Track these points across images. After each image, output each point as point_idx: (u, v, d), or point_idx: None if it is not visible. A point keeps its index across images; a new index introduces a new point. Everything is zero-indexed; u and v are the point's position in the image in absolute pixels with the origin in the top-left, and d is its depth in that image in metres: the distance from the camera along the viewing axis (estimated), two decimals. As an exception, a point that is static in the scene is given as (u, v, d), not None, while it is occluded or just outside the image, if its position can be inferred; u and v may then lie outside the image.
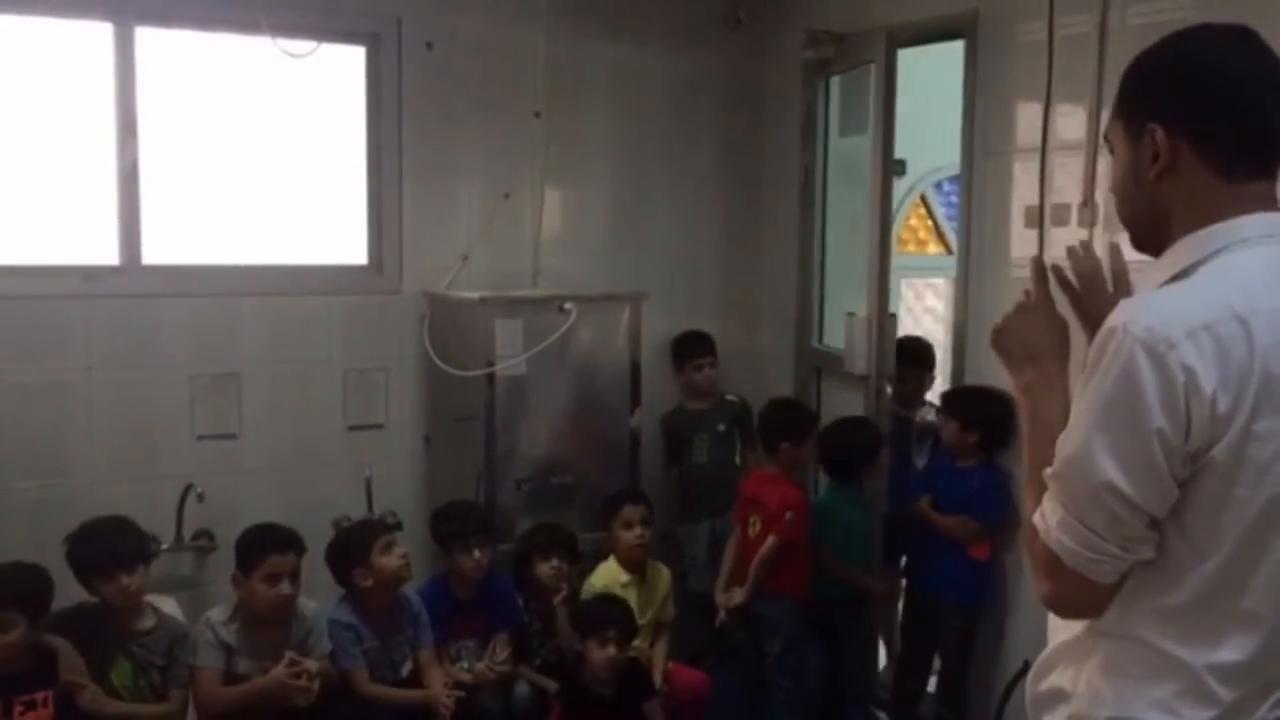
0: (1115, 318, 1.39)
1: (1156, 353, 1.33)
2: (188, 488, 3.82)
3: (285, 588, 3.30)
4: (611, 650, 3.46)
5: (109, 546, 3.18)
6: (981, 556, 3.73)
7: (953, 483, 3.83)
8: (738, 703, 4.00)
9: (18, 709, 2.89)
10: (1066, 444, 1.42)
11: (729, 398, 4.63)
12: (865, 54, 4.15)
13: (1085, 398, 1.41)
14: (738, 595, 3.94)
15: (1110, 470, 1.37)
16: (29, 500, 3.67)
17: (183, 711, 3.25)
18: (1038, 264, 1.71)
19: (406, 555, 3.56)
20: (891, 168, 4.08)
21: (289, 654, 3.26)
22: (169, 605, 3.40)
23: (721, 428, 4.54)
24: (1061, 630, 1.56)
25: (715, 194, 4.84)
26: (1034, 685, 1.60)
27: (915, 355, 4.30)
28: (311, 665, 3.28)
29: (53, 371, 3.73)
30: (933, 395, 4.44)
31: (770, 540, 3.92)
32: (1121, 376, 1.36)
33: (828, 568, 3.95)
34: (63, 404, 3.73)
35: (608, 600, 3.69)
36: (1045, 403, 1.57)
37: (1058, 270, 1.74)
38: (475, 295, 4.03)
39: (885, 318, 4.08)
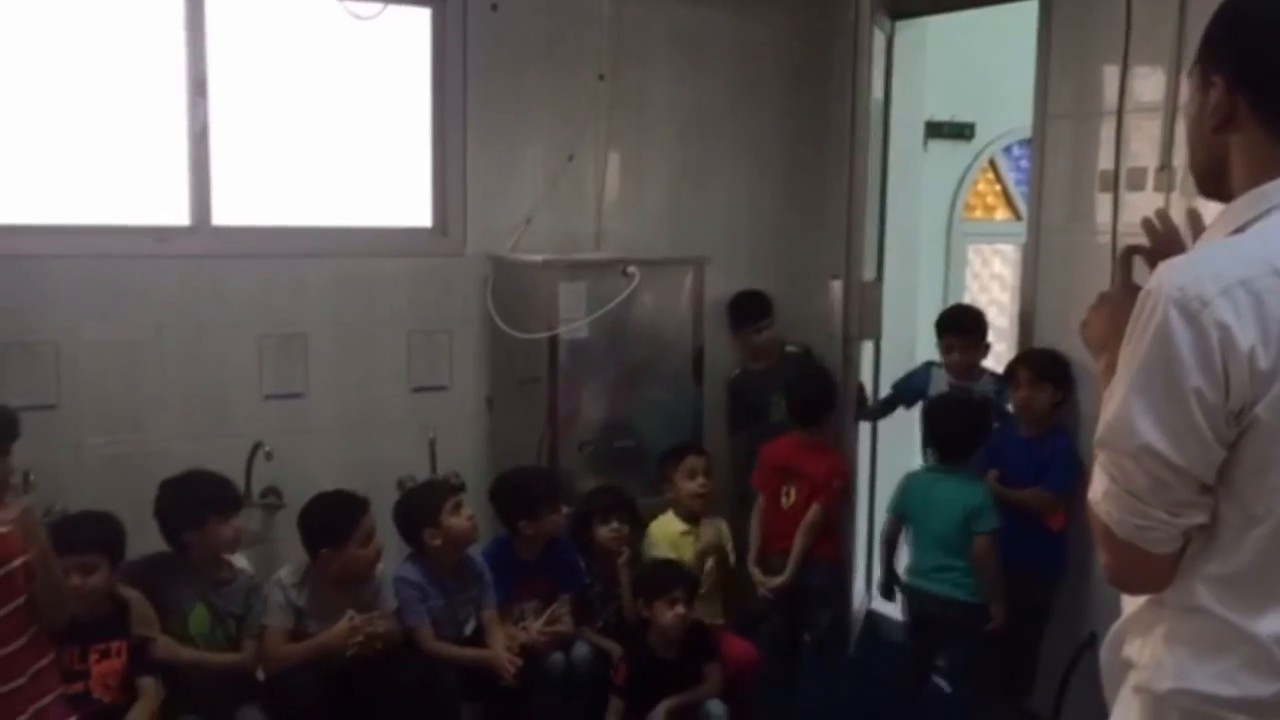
0: (1152, 279, 1.37)
1: (1189, 310, 1.30)
2: (256, 446, 3.88)
3: (377, 544, 3.40)
4: (680, 609, 3.47)
5: (208, 494, 3.28)
6: (1057, 526, 3.66)
7: (1020, 454, 3.76)
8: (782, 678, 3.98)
9: (93, 656, 2.96)
10: (1106, 409, 1.40)
11: (790, 349, 4.59)
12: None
13: (1123, 361, 1.39)
14: (785, 572, 3.95)
15: (1149, 433, 1.34)
16: (103, 456, 3.76)
17: (256, 661, 3.33)
18: (1124, 252, 1.69)
19: (474, 516, 3.60)
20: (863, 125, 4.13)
21: (350, 614, 3.32)
22: (240, 560, 3.46)
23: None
24: (1131, 601, 1.54)
25: (778, 156, 4.80)
26: (1107, 655, 1.58)
27: (965, 324, 4.21)
28: (378, 625, 3.34)
29: (126, 330, 3.79)
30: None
31: (816, 509, 3.91)
32: (1156, 337, 1.33)
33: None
34: (135, 362, 3.80)
35: (669, 563, 3.72)
36: None
37: (1137, 250, 1.70)
38: (538, 258, 4.04)
39: (858, 282, 4.17)
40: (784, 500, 4.02)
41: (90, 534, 3.00)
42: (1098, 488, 1.42)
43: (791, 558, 3.97)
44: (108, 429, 3.78)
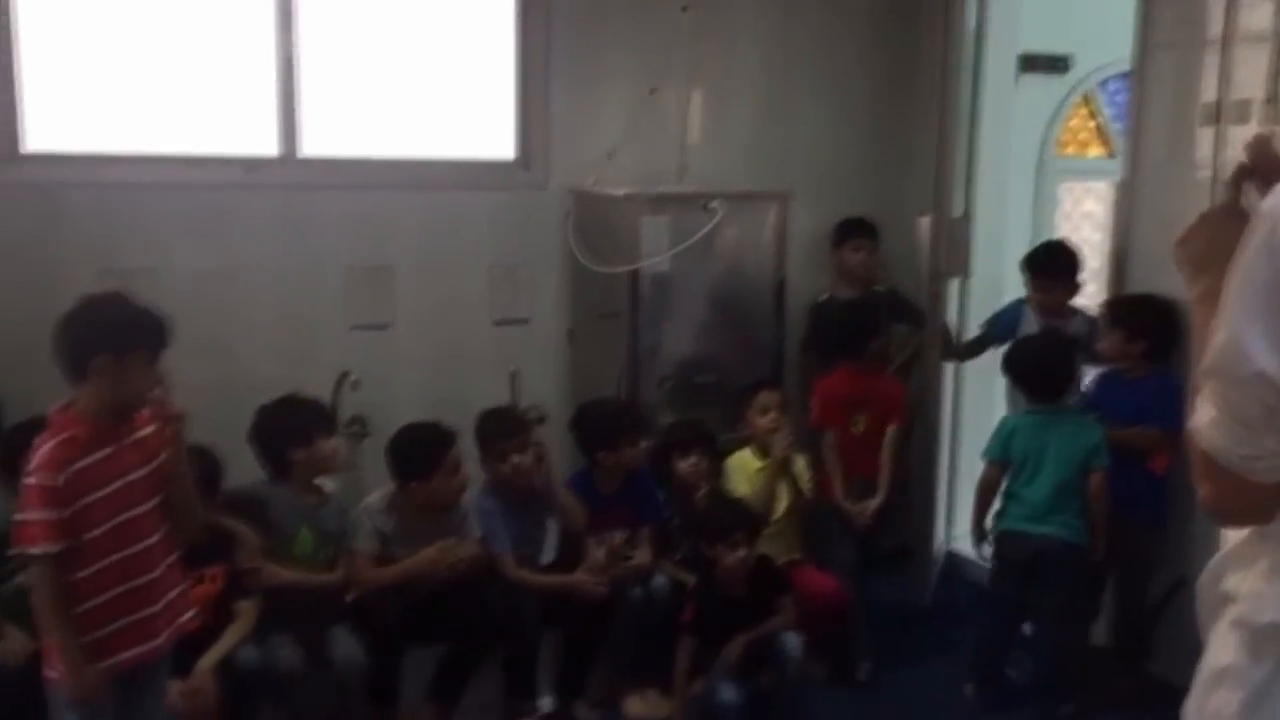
0: (1267, 201, 1.32)
1: None
2: (343, 376, 3.95)
3: (464, 474, 3.46)
4: (741, 552, 3.47)
5: (306, 414, 3.38)
6: (1160, 469, 3.56)
7: (1124, 395, 3.66)
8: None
9: (189, 582, 3.04)
10: (1216, 335, 1.35)
11: (877, 288, 4.55)
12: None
13: (1233, 286, 1.34)
14: (879, 494, 3.95)
15: (1262, 359, 1.29)
16: (196, 381, 3.79)
17: (348, 582, 3.41)
18: (1236, 171, 1.62)
19: (535, 455, 3.58)
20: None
21: (439, 544, 3.38)
22: (329, 485, 3.53)
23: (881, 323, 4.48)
24: (1231, 535, 1.50)
25: (865, 90, 4.71)
26: (1205, 589, 1.55)
27: (1057, 262, 4.09)
28: (465, 551, 3.40)
29: (216, 259, 3.86)
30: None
31: (894, 429, 3.97)
32: (1268, 259, 1.28)
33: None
34: (227, 290, 3.87)
35: (729, 504, 3.70)
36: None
37: (1250, 171, 1.63)
38: (621, 192, 4.02)
39: (947, 218, 4.10)
40: (855, 428, 4.03)
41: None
42: (1203, 416, 1.38)
43: (882, 480, 3.98)
44: (201, 355, 3.84)
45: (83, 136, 3.74)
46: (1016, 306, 4.17)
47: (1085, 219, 5.50)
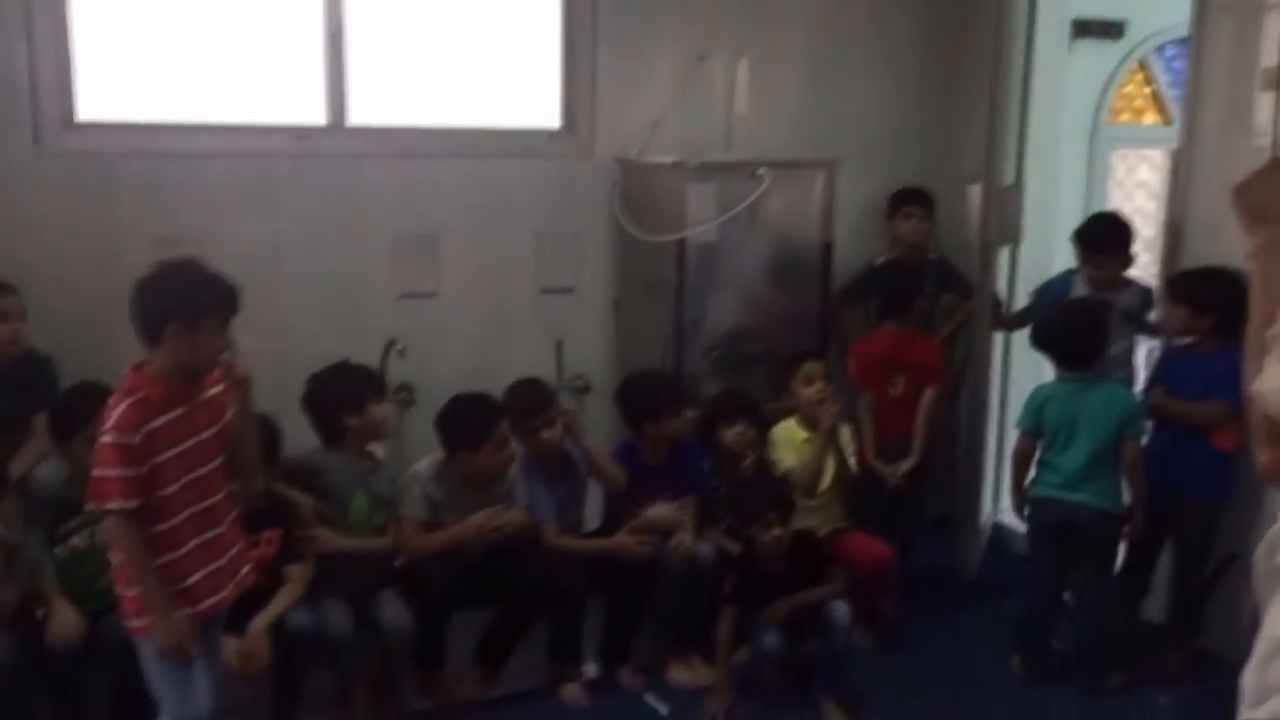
0: None
1: None
2: (390, 343, 3.97)
3: (511, 448, 3.49)
4: (776, 532, 3.45)
5: (358, 381, 3.43)
6: (1226, 446, 3.47)
7: (1193, 371, 3.57)
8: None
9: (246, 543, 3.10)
10: None
11: (930, 257, 4.53)
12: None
13: None
14: (912, 455, 3.98)
15: None
16: (243, 348, 3.86)
17: (398, 547, 3.46)
18: None
19: (566, 427, 3.60)
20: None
21: (485, 512, 3.41)
22: (380, 451, 3.56)
23: (929, 287, 4.45)
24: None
25: (914, 56, 4.66)
26: (1263, 562, 1.53)
27: (1112, 236, 3.99)
28: (510, 518, 3.43)
29: (264, 227, 3.88)
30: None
31: (932, 392, 3.98)
32: None
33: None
34: (275, 259, 3.88)
35: (760, 484, 3.68)
36: (1276, 267, 1.46)
37: None
38: (667, 159, 4.00)
39: (998, 186, 4.07)
40: (893, 390, 4.04)
41: None
42: (1272, 381, 1.35)
43: (916, 442, 4.00)
44: (249, 325, 3.86)
45: (135, 106, 3.77)
46: (1066, 277, 4.11)
47: (1139, 187, 5.40)
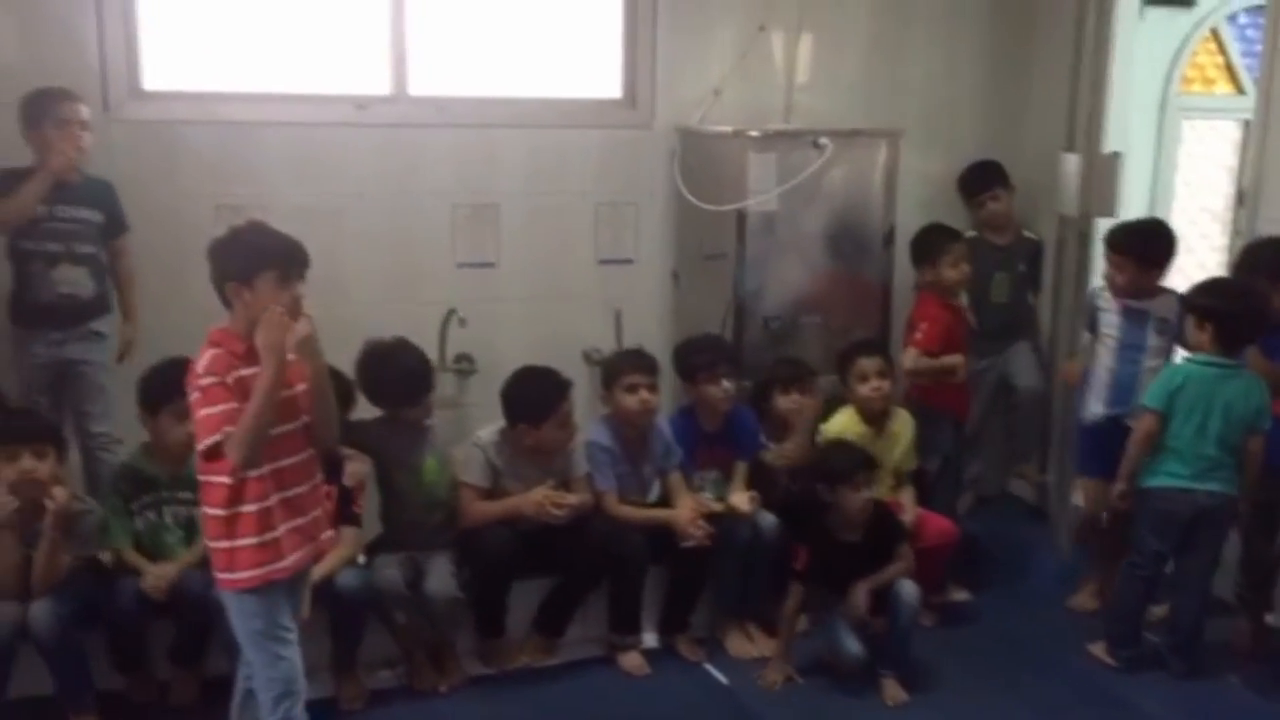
0: None
1: None
2: (450, 313, 3.98)
3: (573, 425, 3.52)
4: (866, 493, 3.42)
5: (417, 375, 3.47)
6: None
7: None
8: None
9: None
10: None
11: (1027, 235, 4.49)
12: None
13: None
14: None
15: None
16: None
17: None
18: None
19: (647, 399, 3.58)
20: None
21: (545, 491, 3.43)
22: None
23: (1022, 268, 4.42)
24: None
25: (979, 26, 4.58)
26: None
27: (1153, 244, 3.67)
28: (571, 499, 3.45)
29: (326, 196, 3.90)
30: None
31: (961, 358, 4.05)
32: None
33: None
34: (337, 228, 3.91)
35: (848, 446, 3.61)
36: None
37: None
38: (728, 129, 3.97)
39: (1098, 155, 4.01)
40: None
41: None
42: None
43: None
44: (311, 293, 3.90)
45: (200, 76, 3.80)
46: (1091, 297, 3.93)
47: (1207, 159, 5.28)
